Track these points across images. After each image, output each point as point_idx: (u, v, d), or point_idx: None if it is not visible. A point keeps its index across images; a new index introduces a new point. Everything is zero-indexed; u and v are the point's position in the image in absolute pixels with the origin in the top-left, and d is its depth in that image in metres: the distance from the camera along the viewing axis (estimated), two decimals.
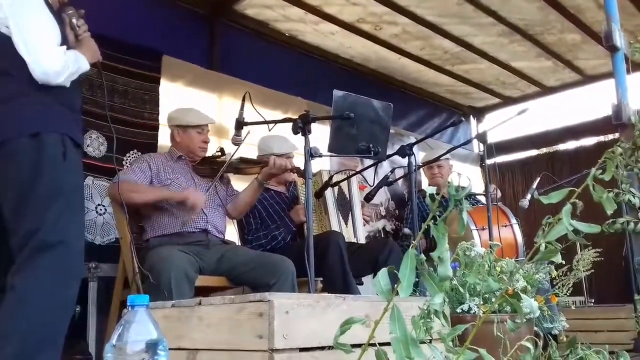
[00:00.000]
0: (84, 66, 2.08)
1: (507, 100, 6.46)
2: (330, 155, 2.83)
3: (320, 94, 4.58)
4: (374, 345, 0.97)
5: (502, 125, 3.30)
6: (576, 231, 0.91)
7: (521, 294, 0.94)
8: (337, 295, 1.17)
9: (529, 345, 1.13)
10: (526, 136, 6.58)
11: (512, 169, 6.58)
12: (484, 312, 1.53)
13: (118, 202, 2.77)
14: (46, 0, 2.05)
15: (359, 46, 5.06)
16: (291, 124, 2.47)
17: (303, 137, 2.39)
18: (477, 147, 6.60)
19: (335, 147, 2.55)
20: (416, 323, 0.99)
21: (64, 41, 2.07)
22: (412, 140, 3.55)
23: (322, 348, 1.09)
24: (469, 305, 1.71)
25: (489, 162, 3.38)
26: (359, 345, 1.18)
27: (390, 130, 2.81)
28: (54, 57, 1.95)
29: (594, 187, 0.78)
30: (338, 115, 2.42)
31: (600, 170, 0.78)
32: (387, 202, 5.29)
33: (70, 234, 1.90)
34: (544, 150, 6.57)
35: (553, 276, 2.17)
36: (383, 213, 5.22)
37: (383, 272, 0.74)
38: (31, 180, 1.85)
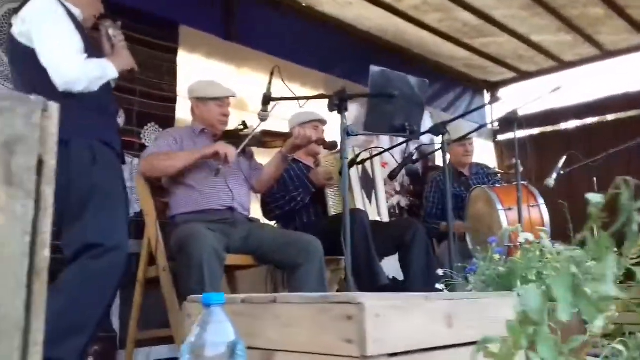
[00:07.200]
0: (111, 73, 2.19)
1: (523, 75, 6.33)
2: (366, 134, 2.75)
3: (337, 67, 4.45)
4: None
5: (532, 101, 3.23)
6: None
7: None
8: (420, 294, 1.11)
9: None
10: (541, 112, 6.46)
11: (524, 145, 6.47)
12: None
13: (151, 177, 2.79)
14: (68, 11, 2.12)
15: (377, 17, 4.92)
16: (318, 100, 2.40)
17: (339, 115, 2.31)
18: (489, 120, 6.47)
19: (372, 126, 2.46)
20: (514, 330, 0.93)
21: (90, 49, 2.15)
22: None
23: (409, 352, 1.03)
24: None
25: (507, 137, 3.29)
26: (442, 347, 1.13)
27: None
28: (72, 66, 2.04)
29: None
30: (378, 93, 2.32)
31: None
32: (402, 178, 5.22)
33: (110, 234, 2.01)
34: (563, 126, 6.39)
35: None
36: (398, 189, 5.16)
37: (532, 289, 0.67)
38: (64, 187, 1.91)
